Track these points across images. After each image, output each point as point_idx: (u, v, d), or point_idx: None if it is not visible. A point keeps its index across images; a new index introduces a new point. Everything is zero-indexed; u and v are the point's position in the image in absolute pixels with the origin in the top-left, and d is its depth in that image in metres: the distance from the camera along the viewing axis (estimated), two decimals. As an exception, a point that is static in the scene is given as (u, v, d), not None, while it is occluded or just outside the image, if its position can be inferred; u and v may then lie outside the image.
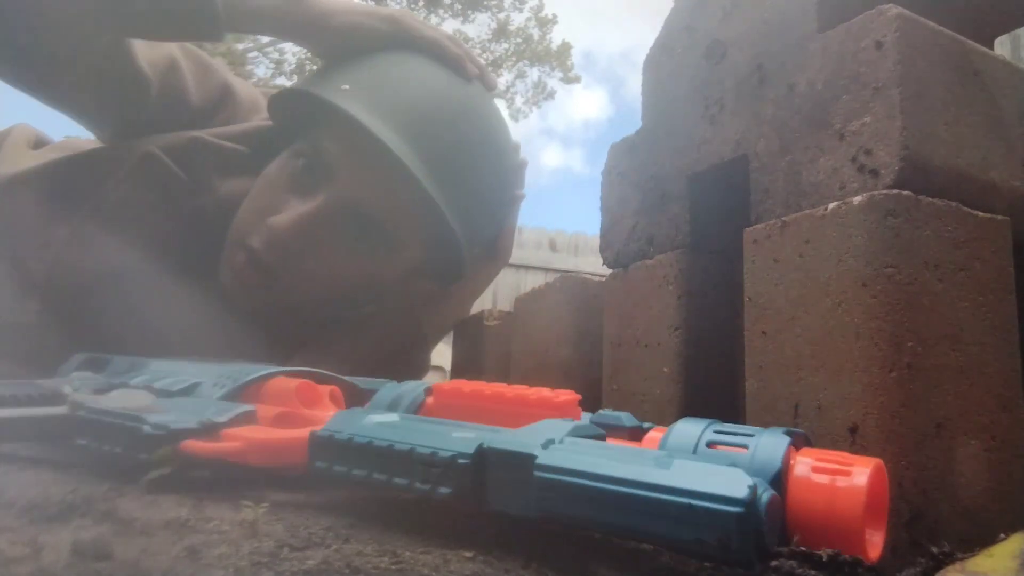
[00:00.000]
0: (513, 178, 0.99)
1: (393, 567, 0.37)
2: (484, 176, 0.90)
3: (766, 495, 0.35)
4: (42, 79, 0.86)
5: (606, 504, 0.37)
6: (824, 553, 0.45)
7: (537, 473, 0.39)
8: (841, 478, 0.35)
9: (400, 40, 0.92)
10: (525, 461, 0.40)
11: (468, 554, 0.40)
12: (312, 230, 0.85)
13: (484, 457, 0.41)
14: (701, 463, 0.37)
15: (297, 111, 0.91)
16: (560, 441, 0.41)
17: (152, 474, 0.52)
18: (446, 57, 0.92)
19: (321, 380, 0.59)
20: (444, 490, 0.42)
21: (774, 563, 0.46)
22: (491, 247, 0.98)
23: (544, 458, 0.40)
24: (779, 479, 0.36)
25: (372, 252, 0.88)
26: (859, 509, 0.34)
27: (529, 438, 0.41)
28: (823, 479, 0.36)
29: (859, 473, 0.35)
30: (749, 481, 0.35)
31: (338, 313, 0.95)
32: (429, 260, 0.92)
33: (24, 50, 0.82)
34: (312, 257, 0.87)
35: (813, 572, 0.44)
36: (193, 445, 0.52)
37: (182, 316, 0.89)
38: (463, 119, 0.88)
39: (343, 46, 0.91)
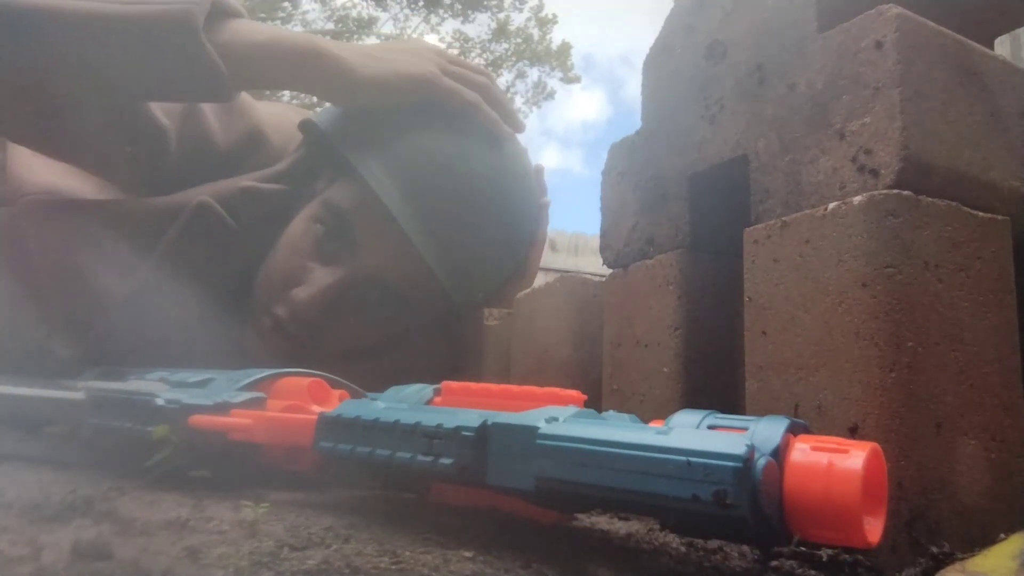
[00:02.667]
0: (532, 224, 0.98)
1: (393, 567, 0.37)
2: (494, 231, 0.90)
3: (763, 459, 0.35)
4: (47, 137, 0.85)
5: (604, 466, 0.38)
6: (824, 553, 0.45)
7: (539, 442, 0.40)
8: (838, 457, 0.35)
9: (431, 101, 0.90)
10: (528, 433, 0.41)
11: (468, 554, 0.40)
12: (335, 303, 0.86)
13: (488, 430, 0.43)
14: (700, 431, 0.38)
15: (321, 141, 0.91)
16: (564, 420, 0.42)
17: (153, 459, 0.53)
18: (479, 118, 0.91)
19: (333, 385, 0.61)
20: (446, 461, 0.43)
21: (774, 563, 0.46)
22: (518, 275, 0.97)
23: (547, 429, 0.41)
24: (777, 455, 0.36)
25: (395, 317, 0.89)
26: (856, 483, 0.34)
27: (533, 416, 0.43)
28: (820, 458, 0.36)
29: (856, 453, 0.35)
30: (747, 442, 0.35)
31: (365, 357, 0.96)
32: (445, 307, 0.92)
33: (26, 112, 0.80)
34: (337, 327, 0.87)
35: (813, 572, 0.44)
36: (201, 419, 0.53)
37: (225, 352, 0.89)
38: (476, 183, 0.88)
39: (370, 105, 0.89)
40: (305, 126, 0.93)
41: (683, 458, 0.35)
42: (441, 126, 0.89)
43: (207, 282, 0.88)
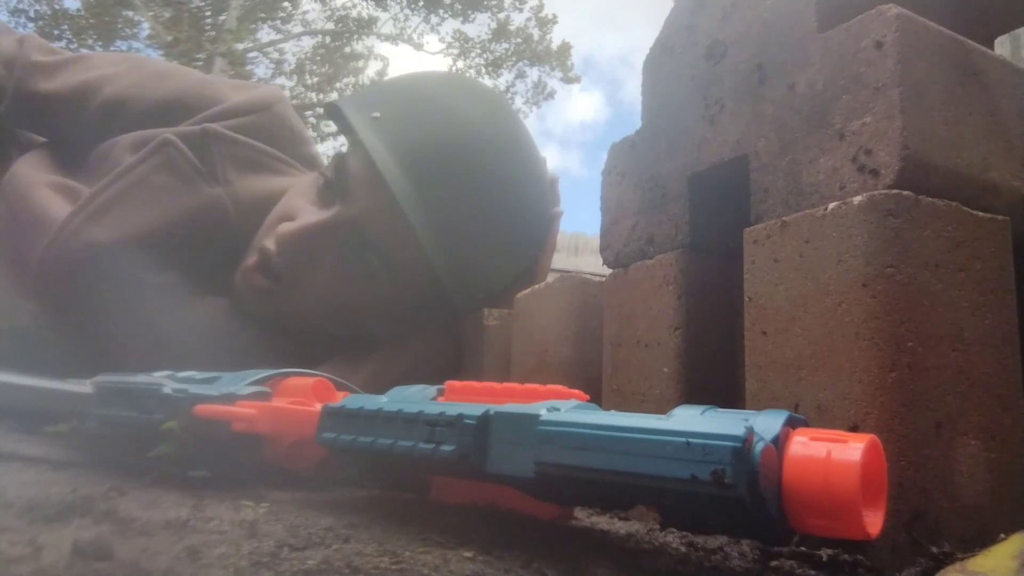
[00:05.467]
0: (543, 231, 0.99)
1: (393, 567, 0.37)
2: (498, 227, 0.90)
3: (761, 444, 0.35)
4: None
5: (604, 449, 0.38)
6: (824, 553, 0.45)
7: (540, 428, 0.41)
8: (837, 447, 0.35)
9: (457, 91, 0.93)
10: (529, 420, 0.42)
11: (468, 554, 0.40)
12: (317, 241, 0.87)
13: (490, 419, 0.43)
14: (700, 416, 0.39)
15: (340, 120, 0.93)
16: (566, 411, 0.43)
17: (156, 451, 0.53)
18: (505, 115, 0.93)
19: (337, 386, 0.61)
20: (447, 448, 0.43)
21: (774, 563, 0.46)
22: (526, 279, 0.97)
23: (548, 416, 0.41)
24: (776, 443, 0.36)
25: (372, 277, 0.89)
26: (855, 473, 0.34)
27: (536, 406, 0.43)
28: (819, 449, 0.36)
29: (854, 444, 0.35)
30: (747, 424, 0.35)
31: (348, 333, 0.95)
32: (436, 294, 0.92)
33: None
34: (315, 270, 0.88)
35: (813, 572, 0.44)
36: (206, 408, 0.53)
37: (188, 313, 0.89)
38: (484, 165, 0.88)
39: None
40: (329, 109, 0.94)
41: (682, 439, 0.36)
42: (462, 121, 0.89)
43: (169, 215, 0.90)
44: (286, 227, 0.87)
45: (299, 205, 0.89)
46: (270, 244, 0.87)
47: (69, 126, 1.00)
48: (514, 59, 10.94)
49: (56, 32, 9.41)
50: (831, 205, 0.51)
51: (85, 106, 0.99)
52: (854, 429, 0.46)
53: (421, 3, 10.60)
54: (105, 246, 0.86)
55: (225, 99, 1.00)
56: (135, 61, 1.06)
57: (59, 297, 0.87)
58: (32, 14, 9.40)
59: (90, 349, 0.86)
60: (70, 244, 0.86)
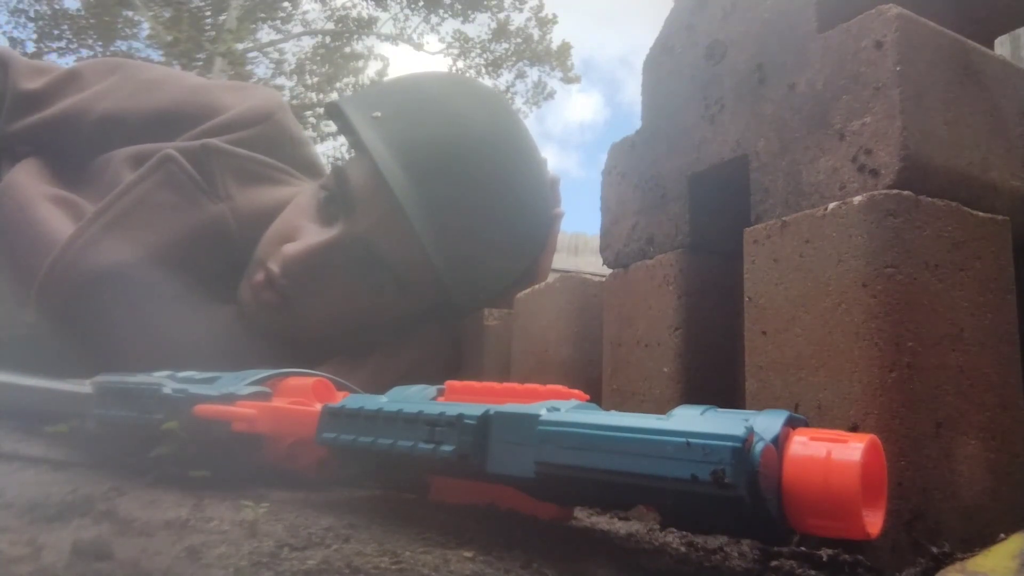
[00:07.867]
0: (543, 232, 0.99)
1: (393, 567, 0.37)
2: (499, 227, 0.90)
3: (761, 443, 0.35)
4: None
5: (604, 449, 0.38)
6: (824, 553, 0.45)
7: (540, 427, 0.41)
8: (837, 447, 0.35)
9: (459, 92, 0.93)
10: (529, 420, 0.42)
11: (468, 554, 0.40)
12: (324, 261, 0.86)
13: (490, 419, 0.43)
14: (700, 416, 0.39)
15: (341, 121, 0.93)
16: (566, 411, 0.43)
17: (156, 451, 0.53)
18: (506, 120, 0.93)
19: (337, 386, 0.61)
20: (447, 448, 0.43)
21: (774, 563, 0.46)
22: (526, 280, 0.97)
23: (548, 416, 0.41)
24: (776, 443, 0.36)
25: (381, 289, 0.89)
26: (855, 473, 0.34)
27: (536, 406, 0.43)
28: (819, 448, 0.36)
29: (854, 444, 0.35)
30: (747, 424, 0.36)
31: (353, 340, 0.95)
32: (439, 297, 0.92)
33: None
34: (323, 287, 0.88)
35: (813, 572, 0.44)
36: (206, 408, 0.53)
37: (193, 327, 0.89)
38: (485, 165, 0.88)
39: None
40: (329, 107, 0.94)
41: (682, 439, 0.36)
42: (463, 121, 0.89)
43: (171, 233, 0.89)
44: (291, 248, 0.86)
45: (301, 223, 0.89)
46: (272, 265, 0.87)
47: (65, 145, 0.99)
48: (514, 59, 10.94)
49: (56, 32, 9.41)
50: (831, 205, 0.51)
51: (80, 126, 0.98)
52: (854, 429, 0.46)
53: (421, 3, 10.60)
54: (110, 267, 0.86)
55: (221, 105, 0.99)
56: (126, 71, 1.04)
57: (62, 314, 0.87)
58: (32, 14, 9.40)
59: (93, 358, 0.86)
60: (75, 265, 0.85)
